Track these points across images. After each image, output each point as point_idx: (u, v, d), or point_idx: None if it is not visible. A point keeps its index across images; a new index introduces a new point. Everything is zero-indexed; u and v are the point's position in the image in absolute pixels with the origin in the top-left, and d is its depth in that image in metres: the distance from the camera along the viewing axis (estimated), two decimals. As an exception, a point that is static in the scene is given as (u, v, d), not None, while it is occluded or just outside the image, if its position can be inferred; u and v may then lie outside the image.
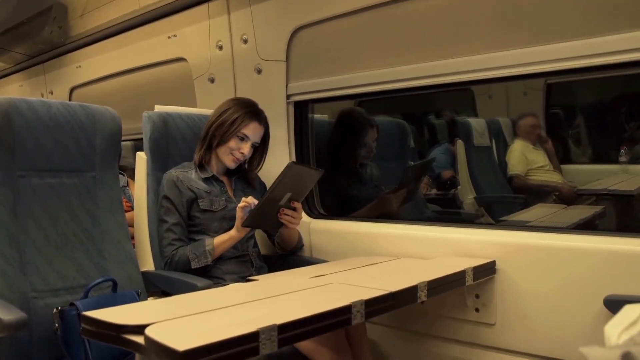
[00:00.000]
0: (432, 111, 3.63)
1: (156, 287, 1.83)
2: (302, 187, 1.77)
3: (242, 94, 2.26)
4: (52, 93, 3.63)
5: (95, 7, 2.90)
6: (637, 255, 1.41)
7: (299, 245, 2.04)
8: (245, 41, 2.30)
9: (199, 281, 1.65)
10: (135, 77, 2.95)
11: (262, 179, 2.07)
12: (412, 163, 3.06)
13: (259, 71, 2.27)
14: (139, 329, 0.99)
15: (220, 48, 2.39)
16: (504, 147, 3.34)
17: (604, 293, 1.43)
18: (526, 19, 1.65)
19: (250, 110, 1.91)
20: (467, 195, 3.09)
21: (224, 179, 1.97)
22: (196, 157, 1.93)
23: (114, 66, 3.02)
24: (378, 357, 1.93)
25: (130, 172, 2.54)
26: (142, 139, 1.98)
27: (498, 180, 3.26)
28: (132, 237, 1.94)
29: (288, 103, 2.22)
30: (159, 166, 1.96)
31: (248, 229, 1.82)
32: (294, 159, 2.22)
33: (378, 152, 2.46)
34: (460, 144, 3.16)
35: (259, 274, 1.87)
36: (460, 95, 3.36)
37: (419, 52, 1.86)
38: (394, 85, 1.93)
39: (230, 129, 1.88)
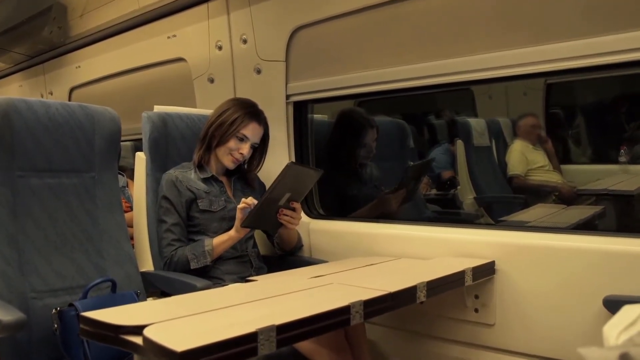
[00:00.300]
0: (431, 111, 3.62)
1: (155, 287, 1.83)
2: (301, 188, 1.77)
3: (242, 94, 2.26)
4: (51, 93, 3.63)
5: (95, 8, 2.90)
6: (636, 256, 1.41)
7: (299, 246, 2.04)
8: (245, 41, 2.29)
9: (198, 281, 1.65)
10: (134, 77, 2.95)
11: (262, 179, 2.07)
12: (412, 163, 3.06)
13: (259, 71, 2.27)
14: (138, 330, 0.98)
15: (220, 48, 2.39)
16: (503, 147, 3.34)
17: (603, 293, 1.43)
18: (526, 19, 1.64)
19: (250, 111, 1.91)
20: (466, 196, 3.08)
21: (223, 179, 1.97)
22: (195, 157, 1.92)
23: (114, 66, 3.02)
24: (377, 358, 1.93)
25: (130, 172, 2.54)
26: (141, 139, 1.98)
27: (498, 180, 3.25)
28: (132, 238, 1.94)
29: (287, 103, 2.21)
30: (158, 166, 1.96)
31: (247, 230, 1.81)
32: (293, 159, 2.22)
33: (378, 152, 2.46)
34: (460, 144, 3.16)
35: (258, 274, 1.87)
36: (460, 95, 3.36)
37: (418, 52, 1.86)
38: (393, 85, 1.93)
39: (230, 129, 1.87)
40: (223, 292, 1.46)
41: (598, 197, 2.88)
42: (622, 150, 3.10)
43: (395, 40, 1.92)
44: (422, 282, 1.38)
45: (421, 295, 1.37)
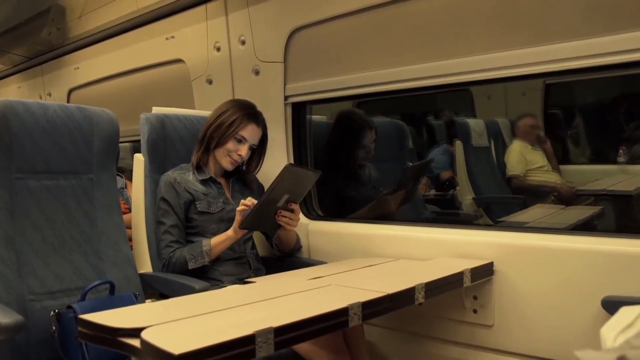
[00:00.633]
0: (430, 112, 3.62)
1: (154, 289, 1.82)
2: (299, 189, 1.77)
3: (240, 95, 2.26)
4: (50, 95, 3.63)
5: (94, 9, 2.90)
6: (635, 256, 1.41)
7: (297, 247, 2.03)
8: (243, 42, 2.29)
9: (196, 283, 1.65)
10: (133, 78, 2.95)
11: (260, 180, 2.07)
12: (411, 164, 3.05)
13: (257, 72, 2.27)
14: (136, 332, 0.98)
15: (218, 49, 2.39)
16: (502, 147, 3.34)
17: (601, 294, 1.43)
18: (526, 19, 1.64)
19: (249, 112, 1.91)
20: (465, 196, 3.08)
21: (221, 180, 1.97)
22: (194, 158, 1.92)
23: (112, 68, 3.02)
24: (376, 359, 1.93)
25: (129, 173, 2.53)
26: (140, 140, 1.98)
27: (497, 180, 3.25)
28: (130, 239, 1.94)
29: (286, 104, 2.21)
30: (156, 168, 1.96)
31: (245, 230, 1.81)
32: (291, 161, 2.22)
33: (376, 153, 2.46)
34: (458, 145, 3.16)
35: (256, 275, 1.87)
36: (459, 95, 3.36)
37: (417, 52, 1.86)
38: (392, 86, 1.93)
39: (228, 130, 1.87)
40: (221, 293, 1.45)
41: (597, 197, 2.88)
42: (621, 151, 3.10)
43: (394, 41, 1.92)
44: (421, 284, 1.38)
45: (420, 297, 1.37)
